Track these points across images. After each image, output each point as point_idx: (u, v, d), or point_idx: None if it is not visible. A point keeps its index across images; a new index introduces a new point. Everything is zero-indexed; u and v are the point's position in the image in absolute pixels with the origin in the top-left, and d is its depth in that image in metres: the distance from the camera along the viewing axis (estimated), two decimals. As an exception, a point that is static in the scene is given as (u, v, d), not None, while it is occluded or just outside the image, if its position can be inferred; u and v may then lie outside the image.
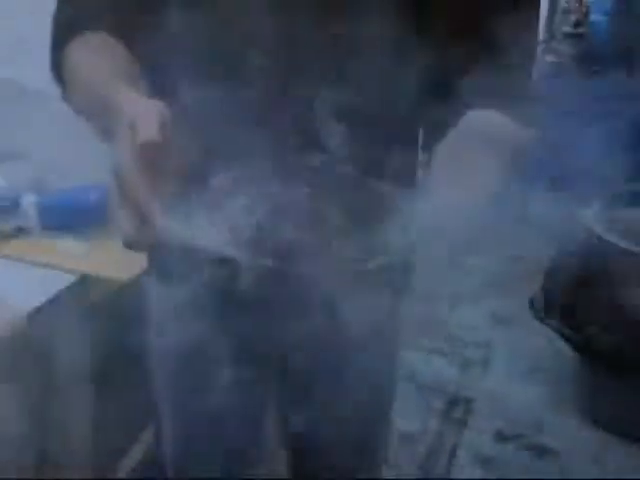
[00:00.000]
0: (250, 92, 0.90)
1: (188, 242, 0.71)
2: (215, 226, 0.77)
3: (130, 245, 0.70)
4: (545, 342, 2.66)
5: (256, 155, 0.84)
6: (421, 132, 1.10)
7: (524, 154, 0.79)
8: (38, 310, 1.33)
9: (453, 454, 2.43)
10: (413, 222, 0.76)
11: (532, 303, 2.64)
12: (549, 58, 3.49)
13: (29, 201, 1.53)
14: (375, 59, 0.95)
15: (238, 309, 0.97)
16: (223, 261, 0.71)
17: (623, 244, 2.44)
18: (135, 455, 1.74)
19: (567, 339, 2.55)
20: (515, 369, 2.81)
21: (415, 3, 0.97)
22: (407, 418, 2.47)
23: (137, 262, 1.27)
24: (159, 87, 0.84)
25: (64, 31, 0.96)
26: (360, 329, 1.12)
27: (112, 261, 1.43)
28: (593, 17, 3.57)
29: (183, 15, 0.95)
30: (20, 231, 1.53)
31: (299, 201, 0.85)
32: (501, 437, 2.53)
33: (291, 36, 0.91)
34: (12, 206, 1.52)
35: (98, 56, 0.91)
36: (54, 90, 0.98)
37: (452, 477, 2.30)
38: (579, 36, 3.53)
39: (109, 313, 1.48)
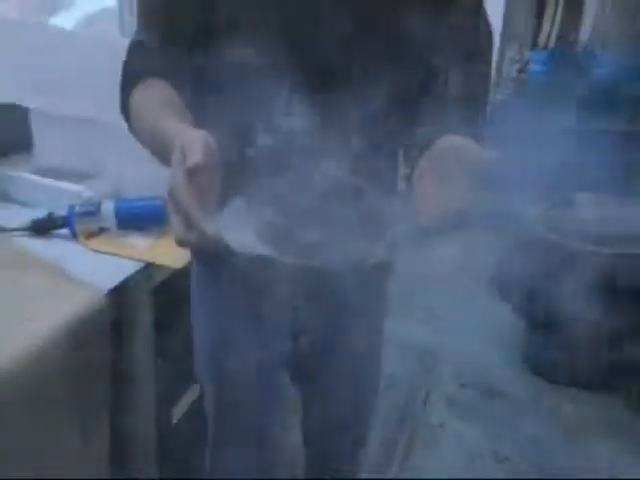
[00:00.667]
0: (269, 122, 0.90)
1: (225, 242, 0.72)
2: (246, 229, 0.79)
3: (180, 243, 0.72)
4: (498, 313, 2.68)
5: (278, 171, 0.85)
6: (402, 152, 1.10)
7: (484, 167, 0.77)
8: (114, 290, 1.33)
9: (427, 397, 2.45)
10: (399, 226, 0.78)
11: (489, 284, 2.65)
12: (498, 97, 3.49)
13: (108, 207, 1.52)
14: (367, 98, 0.94)
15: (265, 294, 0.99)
16: (255, 258, 0.73)
17: (553, 238, 2.45)
18: (186, 402, 1.75)
19: (515, 310, 2.56)
20: (475, 333, 2.83)
21: (397, 57, 0.98)
22: (392, 369, 2.48)
23: (186, 254, 1.31)
24: (201, 119, 0.84)
25: (130, 79, 0.96)
26: (363, 303, 1.14)
27: (168, 253, 1.43)
28: (532, 66, 3.56)
29: (217, 66, 0.95)
30: (101, 230, 1.52)
31: (315, 209, 0.82)
32: (463, 384, 2.55)
33: (307, 81, 0.89)
34: (96, 211, 1.51)
35: (155, 97, 0.91)
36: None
37: (425, 414, 2.33)
38: (521, 80, 3.52)
39: (167, 292, 1.49)
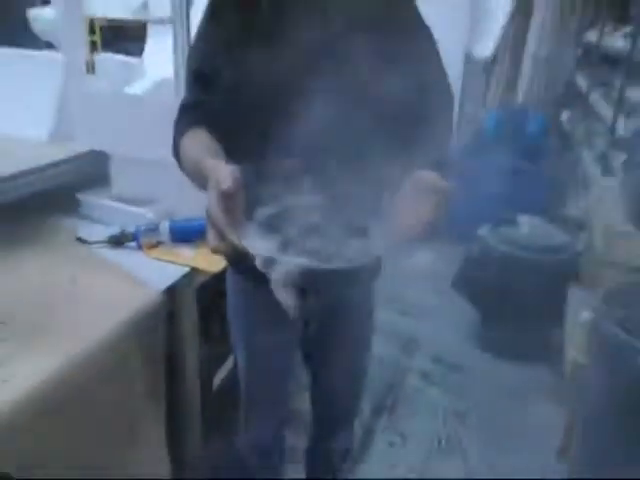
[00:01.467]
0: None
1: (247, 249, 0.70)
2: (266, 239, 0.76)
3: (214, 251, 0.72)
4: (460, 305, 2.63)
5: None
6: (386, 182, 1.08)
7: (448, 197, 0.77)
8: (167, 289, 1.32)
9: (405, 372, 2.41)
10: (382, 237, 0.77)
11: (453, 283, 2.60)
12: (458, 142, 3.48)
13: (164, 226, 1.51)
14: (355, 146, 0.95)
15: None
16: (269, 260, 0.70)
17: (498, 246, 2.40)
18: (223, 373, 1.73)
19: (472, 301, 2.51)
20: (443, 321, 2.78)
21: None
22: (379, 350, 2.45)
23: (221, 261, 1.29)
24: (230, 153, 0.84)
25: (180, 131, 0.96)
26: (358, 297, 1.11)
27: (208, 260, 1.41)
28: (483, 120, 3.55)
29: (244, 121, 0.95)
30: (159, 243, 1.50)
31: (317, 223, 0.82)
32: (434, 360, 2.51)
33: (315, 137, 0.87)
34: (155, 228, 1.50)
35: (197, 142, 0.91)
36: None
37: (403, 385, 2.29)
38: (475, 132, 3.50)
39: (207, 290, 1.47)
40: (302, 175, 0.85)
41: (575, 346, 1.86)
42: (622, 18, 3.14)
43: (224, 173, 0.70)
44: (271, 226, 0.79)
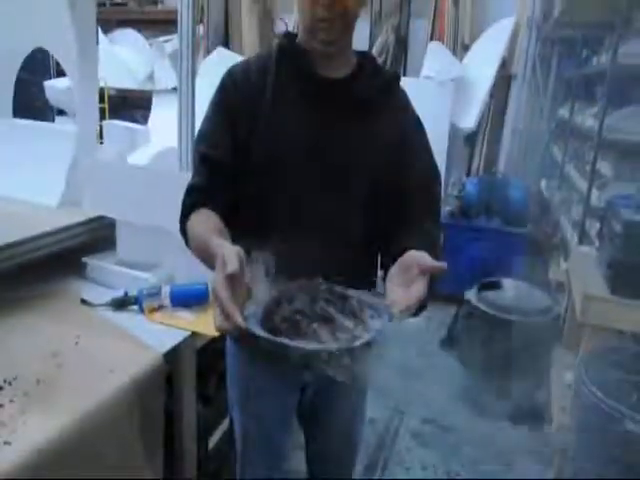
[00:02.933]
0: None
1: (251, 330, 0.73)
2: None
3: (219, 330, 0.73)
4: (448, 365, 2.62)
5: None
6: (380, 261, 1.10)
7: (435, 272, 0.80)
8: (169, 351, 1.33)
9: (397, 432, 2.37)
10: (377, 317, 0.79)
11: (441, 344, 2.61)
12: (447, 208, 3.53)
13: (166, 290, 1.52)
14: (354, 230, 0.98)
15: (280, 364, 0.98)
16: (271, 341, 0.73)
17: (484, 308, 2.43)
18: (218, 433, 1.71)
19: (461, 362, 2.51)
20: (432, 381, 2.76)
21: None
22: (372, 409, 2.42)
23: None
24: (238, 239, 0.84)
25: (186, 211, 0.99)
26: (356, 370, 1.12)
27: (208, 324, 1.40)
28: (467, 188, 3.61)
29: (249, 205, 0.98)
30: (160, 307, 1.51)
31: (315, 310, 0.83)
32: (424, 421, 2.48)
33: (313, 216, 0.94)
34: (157, 293, 1.51)
35: (203, 222, 0.94)
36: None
37: (395, 445, 2.25)
38: (460, 197, 3.55)
39: (206, 353, 1.47)
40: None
41: (560, 408, 1.87)
42: (589, 98, 3.29)
43: (229, 254, 0.72)
44: (269, 311, 0.81)
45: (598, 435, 1.55)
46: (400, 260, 0.83)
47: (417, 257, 0.81)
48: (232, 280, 0.71)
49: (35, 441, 0.98)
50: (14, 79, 2.13)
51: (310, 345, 0.74)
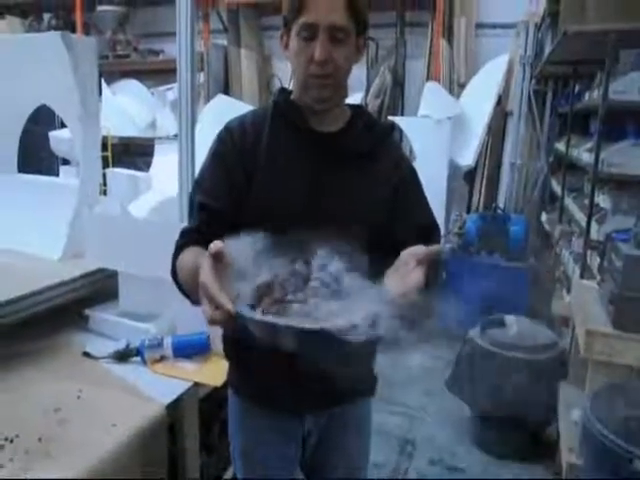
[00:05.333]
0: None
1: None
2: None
3: (211, 322, 0.73)
4: (454, 405, 2.60)
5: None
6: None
7: (431, 258, 0.81)
8: (172, 402, 1.34)
9: (406, 472, 2.34)
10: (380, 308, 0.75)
11: (446, 384, 2.59)
12: (447, 245, 3.54)
13: (167, 341, 1.54)
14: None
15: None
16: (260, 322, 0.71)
17: (488, 347, 2.42)
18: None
19: (466, 402, 2.49)
20: (438, 421, 2.73)
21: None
22: (378, 451, 2.40)
23: (222, 376, 1.28)
24: None
25: (178, 250, 1.02)
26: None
27: (210, 374, 1.44)
28: (468, 224, 3.63)
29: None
30: (162, 358, 1.53)
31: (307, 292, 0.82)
32: (431, 462, 2.45)
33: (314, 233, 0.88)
34: (159, 344, 1.53)
35: (194, 253, 0.95)
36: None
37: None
38: (461, 234, 3.58)
39: (209, 402, 1.49)
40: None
41: (569, 446, 1.84)
42: (584, 132, 3.36)
43: (215, 243, 0.74)
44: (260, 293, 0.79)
45: (608, 475, 1.53)
46: (397, 260, 0.84)
47: (411, 250, 0.83)
48: (217, 262, 0.73)
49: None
50: (19, 135, 2.21)
51: (302, 325, 0.71)
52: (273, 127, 1.06)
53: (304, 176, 1.04)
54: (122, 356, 1.52)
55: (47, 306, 1.62)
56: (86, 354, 1.55)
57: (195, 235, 1.02)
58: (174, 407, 1.35)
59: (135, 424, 1.23)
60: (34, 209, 1.98)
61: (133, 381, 1.41)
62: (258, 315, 0.73)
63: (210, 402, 1.49)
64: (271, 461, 1.18)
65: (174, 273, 1.02)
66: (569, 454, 1.79)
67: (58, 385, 1.39)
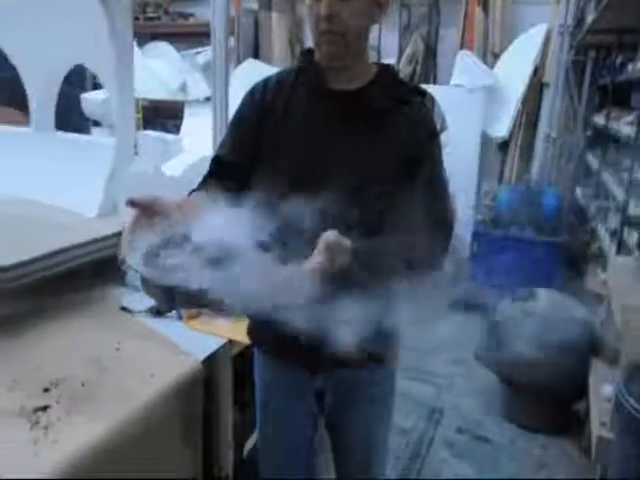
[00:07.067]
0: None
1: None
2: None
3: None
4: (482, 375, 2.60)
5: None
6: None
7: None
8: (207, 357, 1.36)
9: (431, 442, 2.36)
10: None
11: (476, 355, 2.59)
12: (478, 216, 3.50)
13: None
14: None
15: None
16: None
17: (523, 322, 2.35)
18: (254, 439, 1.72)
19: (495, 373, 2.49)
20: (466, 391, 2.74)
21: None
22: (405, 419, 2.42)
23: None
24: None
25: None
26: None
27: (244, 331, 1.41)
28: (500, 197, 3.58)
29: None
30: (198, 313, 1.54)
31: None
32: (459, 431, 2.46)
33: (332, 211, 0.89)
34: None
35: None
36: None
37: (430, 455, 2.24)
38: (492, 206, 3.53)
39: (242, 359, 1.49)
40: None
41: (599, 420, 1.83)
42: (626, 105, 3.25)
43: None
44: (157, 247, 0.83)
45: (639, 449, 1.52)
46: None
47: (328, 234, 0.86)
48: (141, 220, 0.82)
49: (81, 441, 1.02)
50: (56, 94, 2.21)
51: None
52: (294, 85, 1.09)
53: (314, 133, 1.05)
54: (158, 311, 1.54)
55: (86, 260, 1.64)
56: (124, 309, 1.57)
57: (202, 184, 1.10)
58: (209, 363, 1.36)
59: (173, 376, 1.25)
60: (72, 167, 2.00)
61: (169, 336, 1.43)
62: (140, 267, 0.78)
63: (243, 359, 1.50)
64: (283, 415, 1.23)
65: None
66: (600, 428, 1.78)
67: (98, 337, 1.42)
